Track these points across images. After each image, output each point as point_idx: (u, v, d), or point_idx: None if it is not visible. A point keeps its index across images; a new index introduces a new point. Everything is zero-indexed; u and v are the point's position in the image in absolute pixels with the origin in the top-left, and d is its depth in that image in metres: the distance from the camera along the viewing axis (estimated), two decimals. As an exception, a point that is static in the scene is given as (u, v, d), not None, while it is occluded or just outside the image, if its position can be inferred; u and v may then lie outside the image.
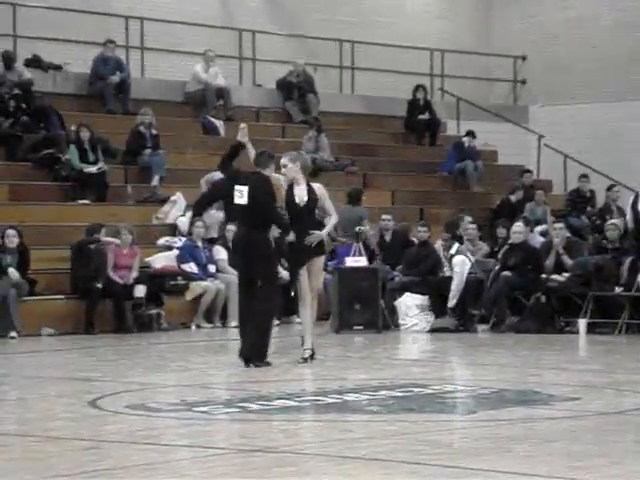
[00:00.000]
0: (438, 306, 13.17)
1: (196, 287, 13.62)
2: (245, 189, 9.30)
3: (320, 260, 9.57)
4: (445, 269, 13.39)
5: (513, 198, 16.71)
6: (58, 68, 16.45)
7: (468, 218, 14.32)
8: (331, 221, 9.65)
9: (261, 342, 9.24)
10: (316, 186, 9.56)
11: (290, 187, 9.45)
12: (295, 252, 9.49)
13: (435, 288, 13.29)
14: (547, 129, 19.27)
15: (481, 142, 18.77)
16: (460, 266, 13.08)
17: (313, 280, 9.43)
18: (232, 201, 9.38)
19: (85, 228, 13.34)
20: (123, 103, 16.65)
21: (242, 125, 9.62)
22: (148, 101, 16.46)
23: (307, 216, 9.41)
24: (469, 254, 13.45)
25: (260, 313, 9.24)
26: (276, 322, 9.90)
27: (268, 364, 9.24)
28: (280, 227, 9.66)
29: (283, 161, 9.47)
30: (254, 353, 9.22)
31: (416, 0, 20.34)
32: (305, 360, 9.44)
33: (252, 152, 9.62)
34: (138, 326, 12.96)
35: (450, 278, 13.16)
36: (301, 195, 9.40)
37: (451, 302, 13.04)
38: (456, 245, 13.44)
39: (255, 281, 9.30)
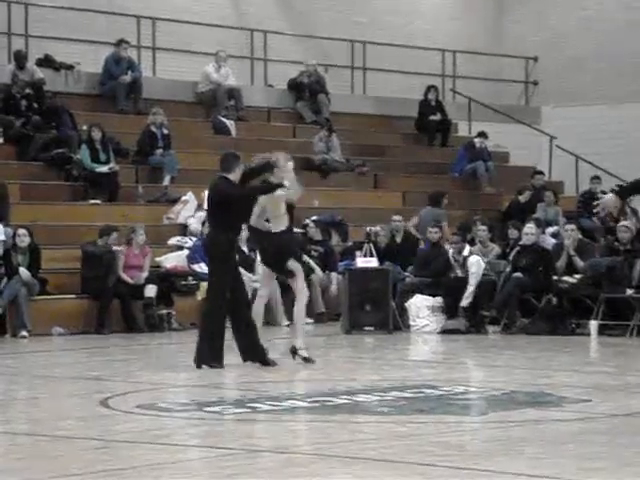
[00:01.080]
0: (449, 307, 13.15)
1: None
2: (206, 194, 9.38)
3: (293, 264, 9.38)
4: (456, 271, 13.34)
5: (522, 199, 16.68)
6: (70, 68, 16.49)
7: (481, 223, 14.28)
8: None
9: (205, 344, 9.15)
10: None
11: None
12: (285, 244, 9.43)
13: (446, 289, 13.27)
14: (559, 130, 19.24)
15: (493, 143, 18.75)
16: (476, 266, 13.07)
17: (296, 280, 9.38)
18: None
19: (98, 230, 13.36)
20: (135, 103, 16.69)
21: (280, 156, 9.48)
22: (160, 101, 16.49)
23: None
24: (481, 255, 13.43)
25: (204, 314, 9.26)
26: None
27: (213, 367, 9.10)
28: (262, 191, 9.26)
29: (290, 165, 9.39)
30: (201, 355, 9.15)
31: (428, 1, 20.33)
32: (306, 360, 9.38)
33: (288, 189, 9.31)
34: (149, 326, 12.98)
35: (461, 279, 13.13)
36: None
37: (465, 302, 13.02)
38: (467, 247, 13.41)
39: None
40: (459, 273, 13.24)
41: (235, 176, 9.26)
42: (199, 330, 9.39)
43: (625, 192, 6.15)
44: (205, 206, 9.46)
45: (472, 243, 13.93)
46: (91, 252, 13.05)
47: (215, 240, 9.21)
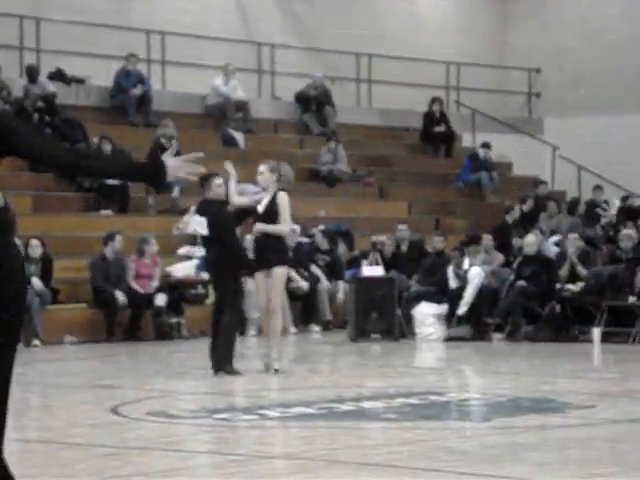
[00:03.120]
0: (452, 315, 13.24)
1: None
2: (204, 220, 9.50)
3: (278, 271, 9.32)
4: (452, 282, 13.35)
5: (524, 208, 16.77)
6: (81, 81, 16.63)
7: (488, 236, 14.35)
8: (277, 226, 9.38)
9: (224, 351, 9.34)
10: (280, 195, 9.45)
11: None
12: (255, 258, 9.57)
13: (448, 298, 13.35)
14: (561, 141, 19.31)
15: (496, 154, 18.84)
16: (478, 277, 13.15)
17: (271, 290, 9.33)
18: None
19: (102, 238, 13.47)
20: (145, 116, 16.82)
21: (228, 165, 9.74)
22: (169, 114, 16.59)
23: (264, 223, 9.39)
24: (483, 266, 13.50)
25: (225, 323, 9.42)
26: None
27: (231, 373, 9.31)
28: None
29: (261, 168, 9.45)
30: (220, 362, 9.35)
31: (432, 14, 20.42)
32: (274, 371, 9.44)
33: (232, 190, 9.52)
34: (159, 335, 13.10)
35: (463, 288, 13.19)
36: (264, 203, 9.41)
37: (461, 310, 13.10)
38: (467, 260, 13.46)
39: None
40: (452, 285, 13.28)
41: (213, 194, 9.54)
42: (220, 337, 9.39)
43: None
44: (202, 232, 9.68)
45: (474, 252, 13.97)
46: (100, 264, 13.15)
47: (214, 258, 9.45)
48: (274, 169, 9.44)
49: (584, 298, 12.82)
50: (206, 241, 9.81)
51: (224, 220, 9.57)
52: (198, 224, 9.70)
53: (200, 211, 9.80)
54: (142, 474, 5.44)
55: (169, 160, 3.72)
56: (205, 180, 9.50)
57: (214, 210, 9.54)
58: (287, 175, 9.55)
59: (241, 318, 10.15)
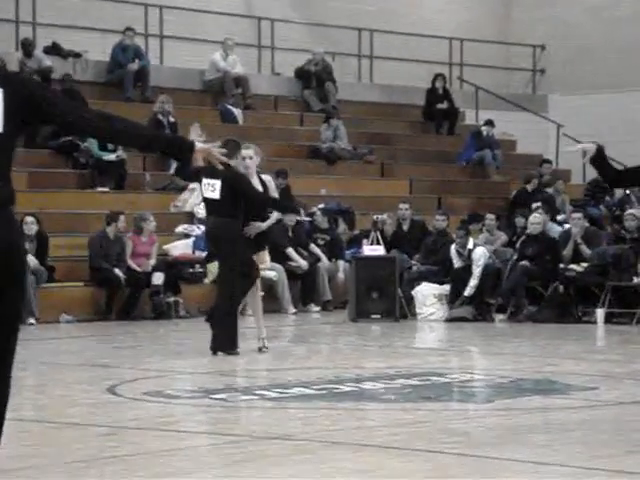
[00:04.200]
0: (453, 296, 13.15)
1: (214, 268, 13.61)
2: (217, 183, 9.20)
3: (262, 254, 9.43)
4: (455, 262, 13.25)
5: (529, 187, 16.67)
6: (78, 56, 16.50)
7: (490, 215, 14.23)
8: (274, 215, 9.52)
9: (224, 330, 9.20)
10: (267, 179, 9.50)
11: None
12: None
13: (451, 278, 13.26)
14: (566, 118, 19.20)
15: (500, 131, 18.72)
16: (483, 258, 13.05)
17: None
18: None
19: (104, 216, 13.37)
20: (142, 91, 16.69)
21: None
22: (167, 89, 16.49)
23: (252, 208, 9.30)
24: (485, 245, 13.40)
25: (222, 301, 9.27)
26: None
27: (230, 353, 9.21)
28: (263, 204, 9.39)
29: (249, 152, 9.38)
30: (219, 343, 9.21)
31: (435, -12, 20.29)
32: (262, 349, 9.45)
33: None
34: (156, 314, 13.01)
35: (466, 267, 13.09)
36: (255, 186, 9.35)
37: (468, 292, 13.02)
38: (471, 240, 13.36)
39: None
40: (456, 264, 13.19)
41: (237, 162, 9.31)
42: (216, 316, 9.31)
43: (601, 159, 5.75)
44: (212, 195, 9.35)
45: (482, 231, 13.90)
46: (100, 243, 13.02)
47: (226, 226, 9.21)
48: (258, 152, 9.49)
49: (588, 278, 12.73)
50: (214, 206, 9.35)
51: (240, 183, 9.21)
52: (207, 187, 9.33)
53: (210, 173, 9.27)
54: (139, 454, 5.41)
55: (199, 144, 3.93)
56: (230, 145, 9.20)
57: (231, 174, 9.19)
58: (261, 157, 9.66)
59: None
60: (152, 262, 13.24)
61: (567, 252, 13.02)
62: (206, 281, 13.59)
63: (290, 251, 14.06)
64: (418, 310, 13.26)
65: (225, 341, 9.24)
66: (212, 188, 9.26)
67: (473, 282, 12.96)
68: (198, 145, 3.95)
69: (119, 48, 16.59)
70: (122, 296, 12.98)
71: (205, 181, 9.30)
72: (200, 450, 5.70)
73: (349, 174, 17.20)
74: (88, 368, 8.92)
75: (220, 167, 4.10)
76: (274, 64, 18.61)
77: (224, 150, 4.13)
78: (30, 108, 3.67)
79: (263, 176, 9.57)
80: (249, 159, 9.39)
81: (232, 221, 9.21)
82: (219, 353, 9.22)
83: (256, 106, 17.73)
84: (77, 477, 5.02)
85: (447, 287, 13.21)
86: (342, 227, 15.59)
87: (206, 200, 9.44)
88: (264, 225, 9.40)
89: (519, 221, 14.04)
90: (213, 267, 13.58)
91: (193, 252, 13.91)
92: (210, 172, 9.22)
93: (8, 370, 3.70)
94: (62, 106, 3.71)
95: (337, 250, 14.72)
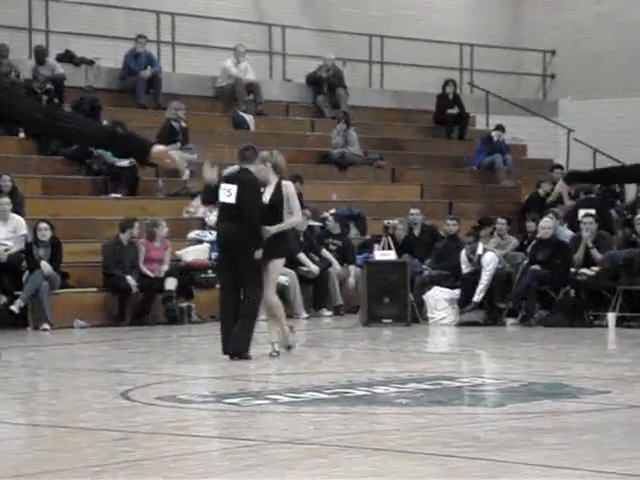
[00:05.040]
0: (463, 300, 13.15)
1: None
2: (234, 188, 9.24)
3: (275, 262, 9.32)
4: (464, 267, 13.23)
5: (541, 192, 16.68)
6: (90, 63, 16.58)
7: (502, 220, 14.23)
8: (289, 219, 9.39)
9: (245, 334, 9.22)
10: (285, 184, 9.41)
11: (263, 186, 9.41)
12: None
13: (462, 282, 13.26)
14: (576, 123, 19.19)
15: (510, 136, 18.72)
16: (493, 263, 13.06)
17: (267, 282, 9.27)
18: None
19: (118, 223, 13.43)
20: (154, 98, 16.76)
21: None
22: (179, 96, 16.54)
23: (269, 214, 9.27)
24: (495, 250, 13.39)
25: (249, 306, 9.25)
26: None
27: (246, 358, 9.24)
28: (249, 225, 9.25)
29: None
30: (238, 347, 9.22)
31: (446, -6, 20.31)
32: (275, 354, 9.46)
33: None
34: (169, 319, 13.06)
35: (476, 272, 13.09)
36: (268, 194, 9.33)
37: (477, 297, 13.03)
38: (481, 245, 13.36)
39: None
40: (465, 269, 13.18)
41: (256, 168, 9.35)
42: (242, 320, 9.25)
43: (571, 178, 6.88)
44: (228, 199, 9.37)
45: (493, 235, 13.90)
46: (113, 249, 13.05)
47: (240, 231, 9.21)
48: (267, 159, 9.40)
49: (599, 283, 12.73)
50: (229, 211, 9.36)
51: (255, 192, 9.24)
52: (224, 192, 9.39)
53: (229, 179, 9.39)
54: (151, 459, 5.44)
55: (159, 146, 3.93)
56: (250, 152, 9.29)
57: (248, 178, 9.25)
58: (281, 162, 9.51)
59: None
60: (165, 268, 13.29)
61: (578, 256, 13.02)
62: (218, 286, 13.59)
63: (302, 256, 14.09)
64: (429, 314, 13.27)
65: (244, 344, 9.25)
66: (228, 193, 9.31)
67: (481, 287, 12.98)
68: (155, 147, 3.98)
69: (131, 55, 16.67)
70: (135, 302, 13.03)
71: (223, 186, 9.37)
72: (213, 455, 5.73)
73: (360, 179, 17.23)
74: (101, 373, 8.96)
75: (182, 169, 4.19)
76: (285, 70, 18.66)
77: (187, 155, 4.18)
78: None
79: (284, 182, 9.50)
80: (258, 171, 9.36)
81: (245, 225, 9.26)
82: (235, 358, 9.22)
83: (268, 112, 17.78)
84: (92, 481, 5.06)
85: (458, 292, 13.22)
86: (353, 232, 15.62)
87: (222, 205, 9.47)
88: (273, 229, 9.38)
89: (530, 225, 14.05)
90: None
91: (209, 257, 13.93)
92: (228, 178, 9.30)
93: None
94: (12, 100, 3.71)
95: (349, 255, 14.75)
